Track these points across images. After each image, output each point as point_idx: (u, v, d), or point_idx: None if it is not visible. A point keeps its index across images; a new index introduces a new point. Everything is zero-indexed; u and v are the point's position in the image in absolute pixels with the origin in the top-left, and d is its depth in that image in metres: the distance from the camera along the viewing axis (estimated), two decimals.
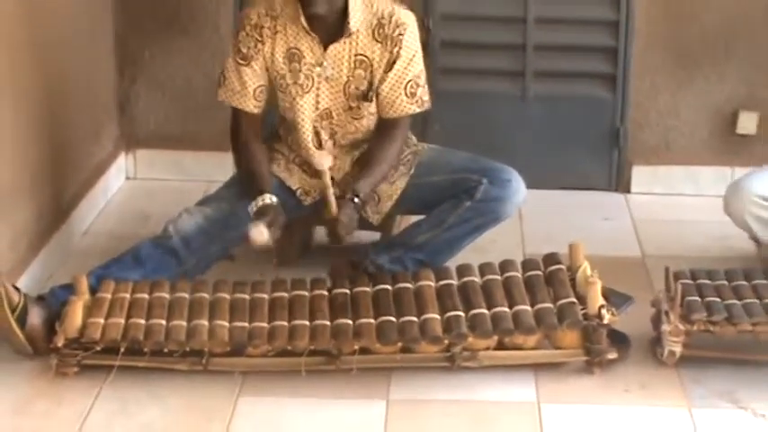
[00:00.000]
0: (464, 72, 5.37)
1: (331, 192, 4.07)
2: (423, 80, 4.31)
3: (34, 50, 4.46)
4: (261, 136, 4.38)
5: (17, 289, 4.01)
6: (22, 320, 3.93)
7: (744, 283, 4.11)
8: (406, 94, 4.28)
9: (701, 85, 5.42)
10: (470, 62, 5.41)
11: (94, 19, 5.24)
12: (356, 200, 4.12)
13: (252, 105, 4.29)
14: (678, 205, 5.37)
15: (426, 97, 4.33)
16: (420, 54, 4.31)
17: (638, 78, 5.42)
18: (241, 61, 4.26)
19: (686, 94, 5.44)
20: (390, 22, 4.22)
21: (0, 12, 4.14)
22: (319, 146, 4.36)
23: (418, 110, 4.33)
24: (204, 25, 5.35)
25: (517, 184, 4.36)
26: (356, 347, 3.89)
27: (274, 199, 4.13)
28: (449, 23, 5.33)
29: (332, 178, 4.12)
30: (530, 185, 4.43)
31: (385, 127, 4.34)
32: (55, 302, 4.03)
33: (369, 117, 4.34)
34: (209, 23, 5.33)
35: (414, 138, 4.50)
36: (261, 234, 3.94)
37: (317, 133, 4.35)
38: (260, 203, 4.11)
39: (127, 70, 5.48)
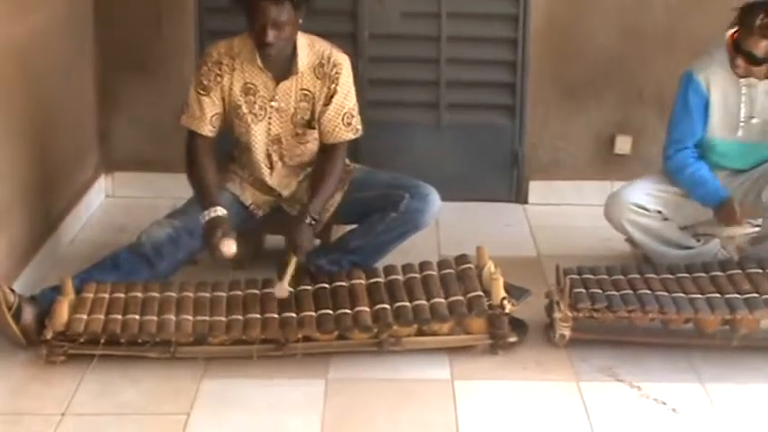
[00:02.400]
0: (388, 105, 5.36)
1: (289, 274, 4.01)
2: (356, 111, 4.32)
3: (25, 89, 4.42)
4: (214, 157, 4.32)
5: (12, 290, 3.97)
6: (17, 317, 3.90)
7: (621, 277, 4.13)
8: (343, 124, 4.29)
9: (584, 113, 5.44)
10: (393, 96, 5.40)
11: (78, 62, 5.20)
12: (312, 222, 4.13)
13: (207, 130, 4.26)
14: (567, 213, 5.39)
15: (359, 126, 4.34)
16: (353, 89, 4.31)
17: (533, 108, 5.44)
18: (201, 92, 4.23)
19: (572, 121, 5.46)
20: (329, 62, 4.23)
21: None
22: (270, 166, 4.35)
23: (353, 136, 4.34)
24: (170, 69, 5.32)
25: (434, 198, 4.37)
26: (300, 336, 3.88)
27: (224, 211, 4.09)
28: (375, 64, 5.32)
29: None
30: (444, 198, 4.43)
31: (326, 151, 4.33)
32: (45, 301, 3.99)
33: (313, 142, 4.35)
34: (175, 67, 5.30)
35: (347, 160, 4.49)
36: (230, 247, 3.95)
37: (268, 155, 4.35)
38: (211, 215, 4.07)
39: (106, 105, 5.43)
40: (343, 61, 4.28)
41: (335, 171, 4.30)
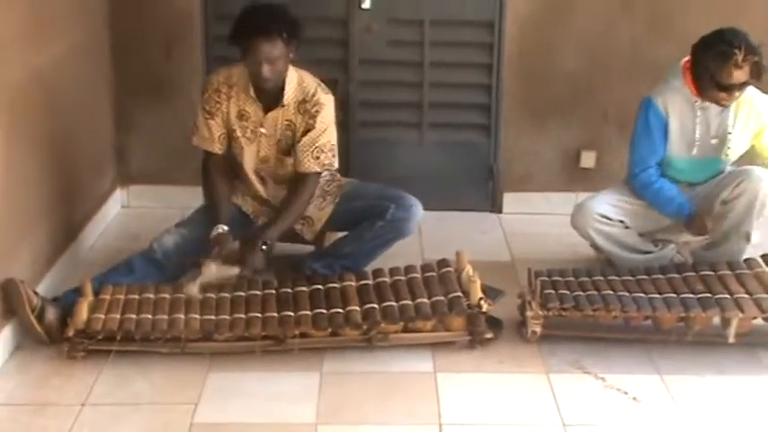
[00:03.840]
0: (376, 124, 5.35)
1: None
2: (328, 148, 4.25)
3: (48, 112, 4.41)
4: (226, 171, 4.35)
5: (36, 293, 3.97)
6: (40, 317, 3.90)
7: (586, 279, 4.13)
8: (312, 157, 4.24)
9: (552, 131, 5.43)
10: (381, 116, 5.38)
11: (96, 87, 5.19)
12: (264, 246, 4.09)
13: (217, 148, 4.29)
14: (537, 222, 5.37)
15: (328, 162, 4.26)
16: (332, 128, 4.27)
17: (506, 127, 5.43)
18: (207, 115, 4.25)
19: (542, 138, 5.45)
20: (311, 100, 4.22)
21: (23, 83, 4.10)
22: (261, 182, 4.37)
23: (319, 170, 4.26)
24: (180, 92, 5.29)
25: (417, 208, 4.37)
26: (297, 332, 3.89)
27: (225, 228, 4.14)
28: (364, 88, 5.30)
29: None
30: (426, 208, 4.44)
31: (296, 181, 4.29)
32: (66, 302, 3.98)
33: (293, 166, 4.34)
34: (184, 91, 5.27)
35: (338, 173, 4.48)
36: (191, 290, 4.00)
37: (257, 173, 4.37)
38: (215, 232, 4.12)
39: (121, 125, 5.42)
40: (326, 102, 4.24)
41: (300, 204, 4.26)
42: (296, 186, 4.28)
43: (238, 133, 4.27)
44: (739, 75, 4.16)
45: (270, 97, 4.21)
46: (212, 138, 4.26)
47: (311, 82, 4.26)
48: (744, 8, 5.05)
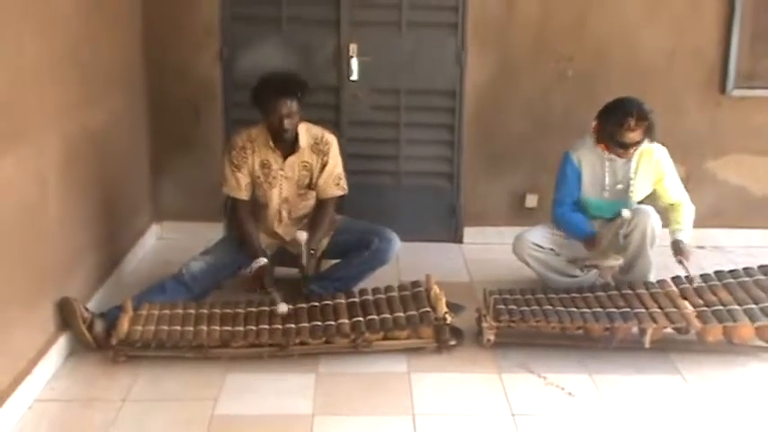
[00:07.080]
0: (362, 172, 5.32)
1: (305, 255, 4.13)
2: (343, 175, 4.38)
3: (97, 163, 4.39)
4: (253, 214, 4.35)
5: (87, 309, 3.95)
6: (90, 329, 3.88)
7: (531, 296, 4.14)
8: (333, 184, 4.34)
9: (502, 178, 5.44)
10: (366, 166, 5.37)
11: (137, 142, 5.17)
12: (313, 251, 4.22)
13: (244, 195, 4.30)
14: (491, 250, 5.35)
15: (345, 186, 4.39)
16: (340, 159, 4.38)
17: (466, 174, 5.44)
18: (234, 169, 4.26)
19: (494, 183, 5.46)
20: (322, 141, 4.30)
21: (77, 139, 4.10)
22: (279, 220, 4.37)
23: (341, 193, 4.39)
24: (205, 147, 5.28)
25: (396, 240, 4.39)
26: (297, 341, 3.87)
27: (266, 261, 4.16)
28: (352, 143, 5.29)
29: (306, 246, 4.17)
30: (402, 240, 4.44)
31: (321, 204, 4.37)
32: (111, 316, 3.96)
33: (312, 199, 4.37)
34: (208, 146, 5.26)
35: (334, 213, 4.48)
36: (283, 307, 3.96)
37: (279, 212, 4.35)
38: (256, 265, 4.13)
39: (157, 173, 5.39)
40: (332, 140, 4.33)
41: (326, 219, 4.35)
42: (321, 207, 4.36)
43: (262, 179, 4.27)
44: (633, 136, 4.23)
45: (286, 146, 4.24)
46: (239, 187, 4.27)
47: (316, 128, 4.33)
48: (653, 82, 5.11)
